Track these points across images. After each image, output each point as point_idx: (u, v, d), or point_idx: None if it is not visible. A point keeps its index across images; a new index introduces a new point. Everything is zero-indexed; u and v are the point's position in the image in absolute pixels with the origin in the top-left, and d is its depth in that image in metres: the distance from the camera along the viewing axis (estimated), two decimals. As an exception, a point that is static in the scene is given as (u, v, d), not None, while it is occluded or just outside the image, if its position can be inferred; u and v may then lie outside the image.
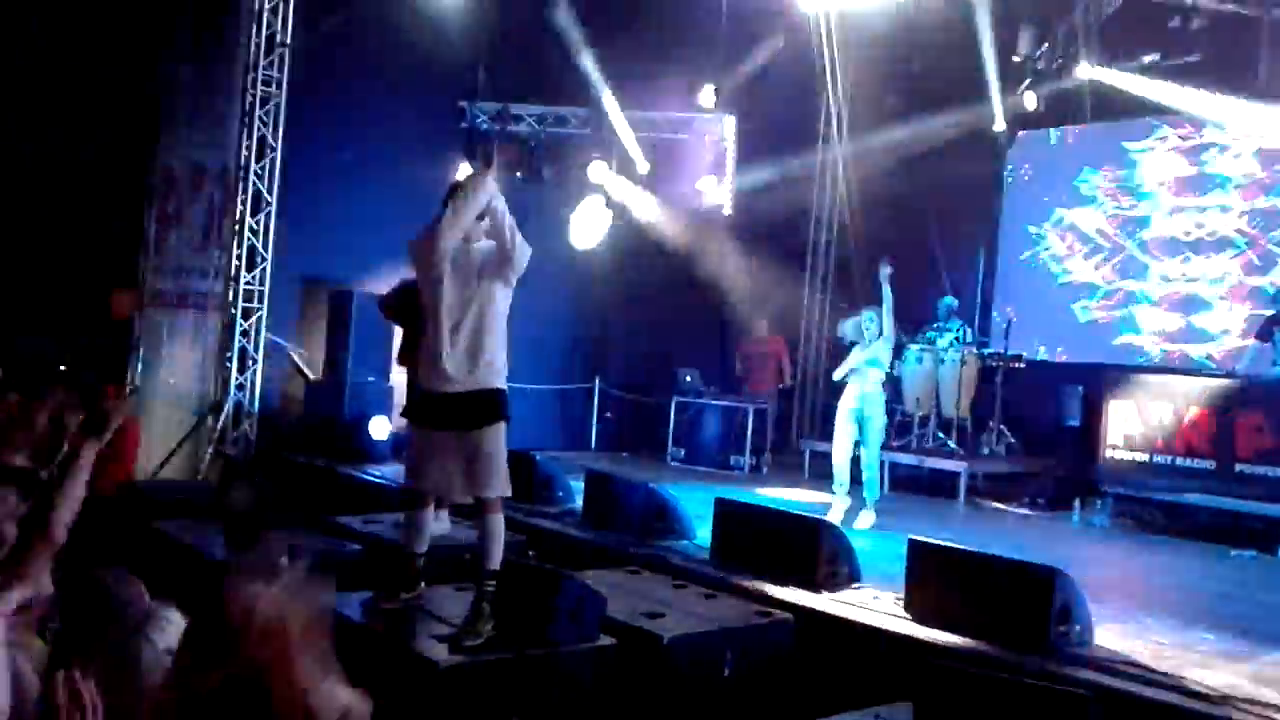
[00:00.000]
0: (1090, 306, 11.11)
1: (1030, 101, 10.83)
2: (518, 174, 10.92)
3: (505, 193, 4.64)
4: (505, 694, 4.03)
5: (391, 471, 8.35)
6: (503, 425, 4.59)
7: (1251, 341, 8.89)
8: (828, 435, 11.24)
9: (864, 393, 7.58)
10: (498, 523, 4.62)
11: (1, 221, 8.37)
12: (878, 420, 7.69)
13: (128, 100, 9.09)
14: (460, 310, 4.51)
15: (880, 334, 7.60)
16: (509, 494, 4.69)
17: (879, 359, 7.62)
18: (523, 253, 4.55)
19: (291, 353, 9.97)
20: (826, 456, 10.56)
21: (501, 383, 4.64)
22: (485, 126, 10.98)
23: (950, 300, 10.75)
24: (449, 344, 4.48)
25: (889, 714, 3.38)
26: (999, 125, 11.15)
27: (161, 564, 5.12)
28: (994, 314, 11.56)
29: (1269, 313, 8.70)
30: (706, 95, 11.07)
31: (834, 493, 7.62)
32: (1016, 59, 10.85)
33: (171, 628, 2.13)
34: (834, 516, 7.21)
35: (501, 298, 4.59)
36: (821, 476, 10.36)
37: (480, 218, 4.55)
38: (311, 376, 10.08)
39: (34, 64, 8.51)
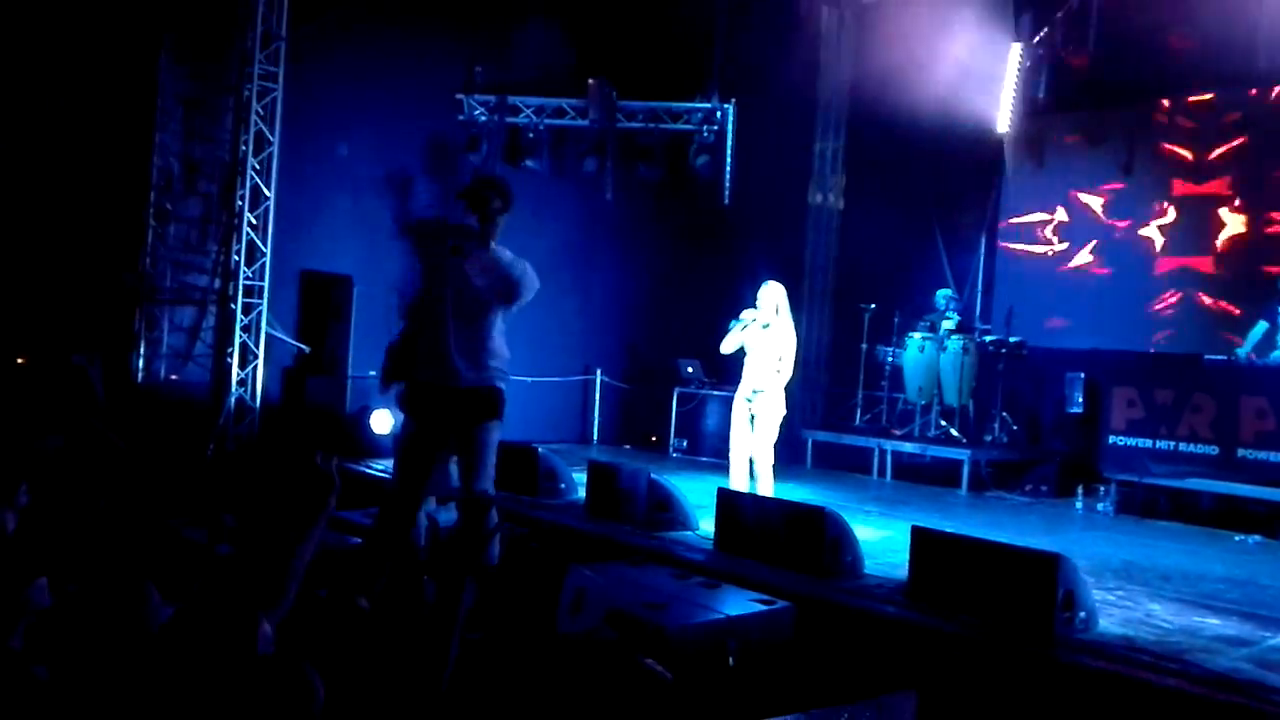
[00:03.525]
0: (1093, 292, 11.07)
1: (1029, 89, 10.80)
2: (515, 165, 10.91)
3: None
4: (508, 686, 4.02)
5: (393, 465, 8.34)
6: (498, 424, 4.61)
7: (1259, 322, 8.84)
8: (830, 425, 11.34)
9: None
10: (491, 518, 4.62)
11: (1, 220, 8.36)
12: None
13: (125, 97, 9.07)
14: (463, 322, 4.57)
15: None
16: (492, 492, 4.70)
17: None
18: (531, 289, 4.60)
19: (287, 340, 9.95)
20: (829, 447, 10.65)
21: (501, 383, 4.65)
22: (484, 118, 10.96)
23: (950, 290, 10.75)
24: (453, 345, 4.53)
25: (893, 703, 3.37)
26: (999, 113, 11.12)
27: (171, 559, 5.11)
28: (995, 301, 11.54)
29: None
30: (706, 85, 11.05)
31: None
32: (1017, 46, 10.83)
33: None
34: None
35: (503, 316, 4.68)
36: (825, 466, 10.42)
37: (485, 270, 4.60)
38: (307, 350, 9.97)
39: (31, 63, 8.49)
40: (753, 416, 7.00)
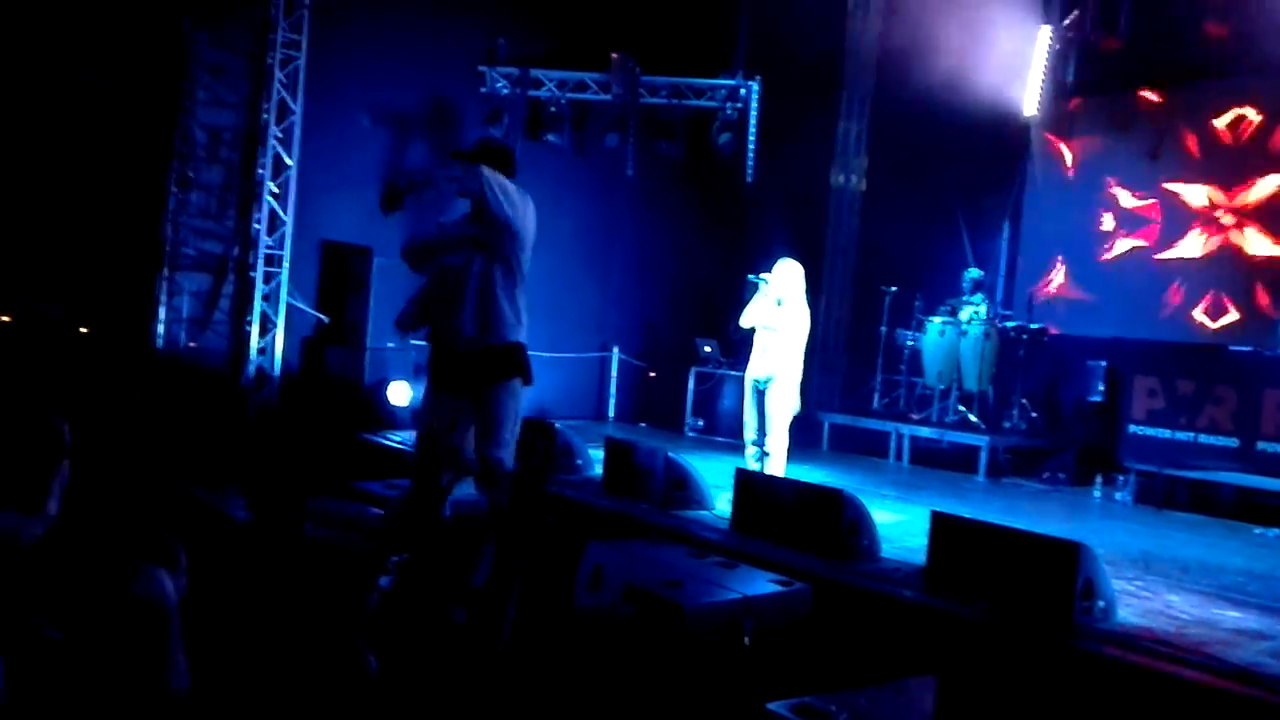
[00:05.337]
0: (1116, 278, 10.97)
1: (1058, 71, 10.68)
2: (536, 139, 10.86)
3: (526, 158, 4.66)
4: (527, 662, 4.03)
5: (411, 436, 8.37)
6: (516, 383, 4.56)
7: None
8: (848, 408, 11.30)
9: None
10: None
11: (22, 187, 8.38)
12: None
13: (148, 64, 9.05)
14: (462, 276, 4.53)
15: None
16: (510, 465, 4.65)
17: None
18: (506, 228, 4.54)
19: (306, 310, 9.95)
20: (846, 430, 10.63)
21: (516, 336, 4.60)
22: (505, 91, 10.90)
23: (975, 272, 10.66)
24: (457, 307, 4.51)
25: (914, 686, 3.36)
26: (1026, 95, 11.00)
27: (191, 526, 5.14)
28: (1017, 286, 11.46)
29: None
30: (730, 61, 10.97)
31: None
32: (1046, 28, 10.70)
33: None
34: None
35: (500, 266, 4.61)
36: (841, 449, 10.41)
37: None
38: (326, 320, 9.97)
39: (53, 30, 8.47)
40: (763, 399, 7.00)
